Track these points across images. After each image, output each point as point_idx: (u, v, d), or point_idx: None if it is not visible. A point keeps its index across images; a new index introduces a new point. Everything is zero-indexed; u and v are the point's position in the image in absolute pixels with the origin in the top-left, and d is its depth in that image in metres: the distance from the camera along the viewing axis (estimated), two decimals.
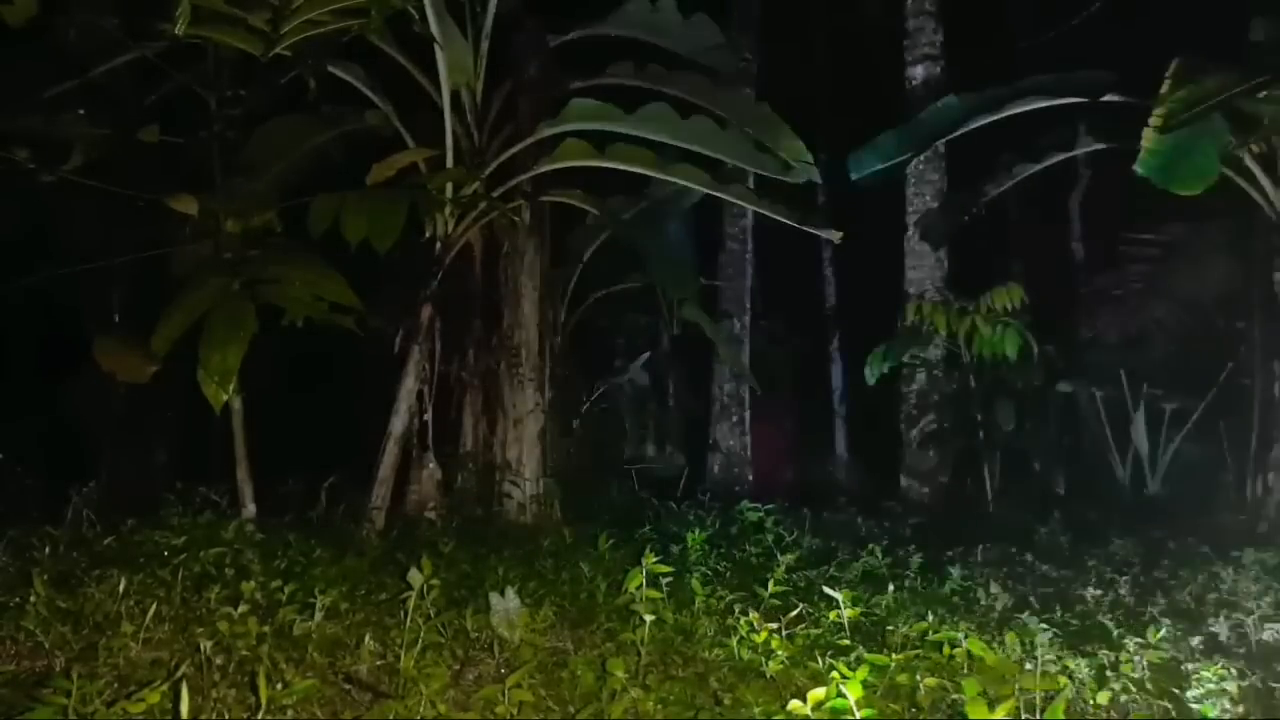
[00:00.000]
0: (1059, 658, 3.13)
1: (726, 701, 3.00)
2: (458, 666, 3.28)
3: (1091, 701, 3.05)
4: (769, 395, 11.07)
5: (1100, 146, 8.25)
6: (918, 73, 9.99)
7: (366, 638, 3.35)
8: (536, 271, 6.97)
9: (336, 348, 6.06)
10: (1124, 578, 5.03)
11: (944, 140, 8.84)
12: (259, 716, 2.65)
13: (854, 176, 8.47)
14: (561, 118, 6.42)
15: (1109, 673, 3.28)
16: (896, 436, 9.76)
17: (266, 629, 3.17)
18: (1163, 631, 3.64)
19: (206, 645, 2.98)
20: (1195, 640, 3.72)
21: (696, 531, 5.18)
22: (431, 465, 6.42)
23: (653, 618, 3.36)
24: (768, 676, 3.20)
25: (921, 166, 9.80)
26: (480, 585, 4.03)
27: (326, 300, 4.84)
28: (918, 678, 2.94)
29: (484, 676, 3.24)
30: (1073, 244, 12.38)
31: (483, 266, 7.02)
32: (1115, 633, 3.70)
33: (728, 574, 4.85)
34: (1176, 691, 3.11)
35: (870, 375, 9.22)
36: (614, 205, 7.80)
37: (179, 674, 2.66)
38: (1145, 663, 3.30)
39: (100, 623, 3.35)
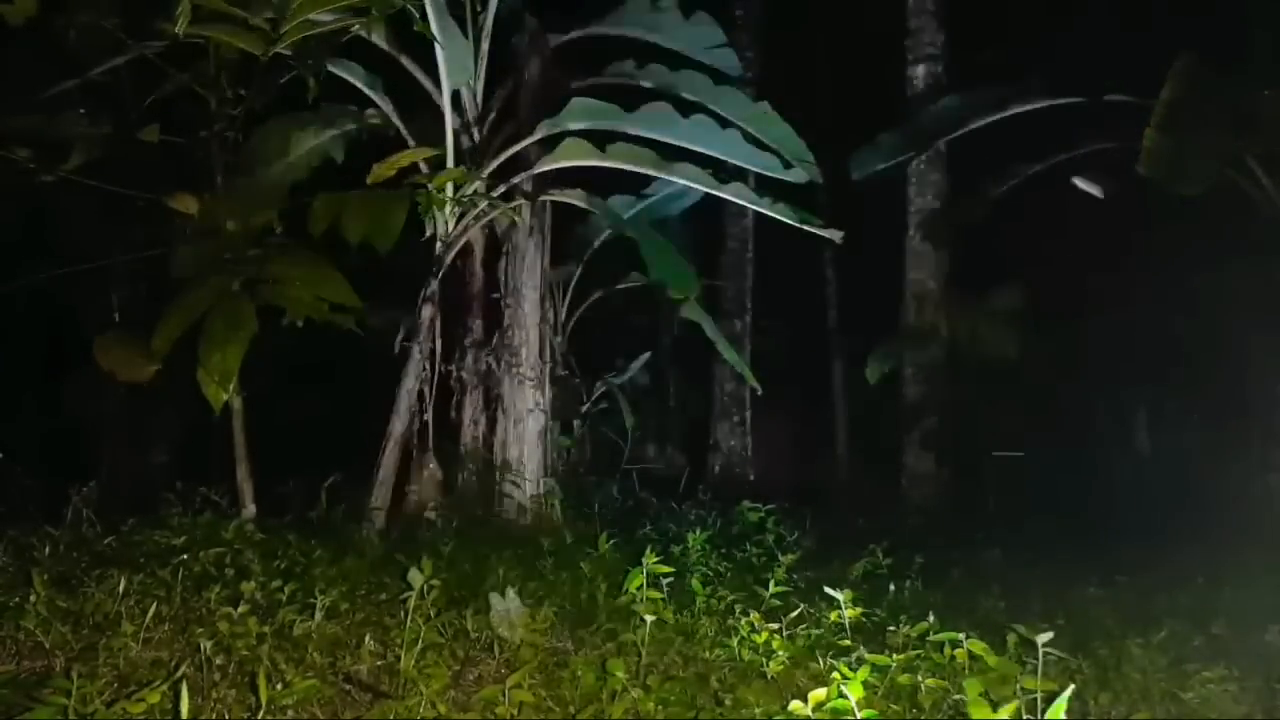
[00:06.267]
0: (1061, 658, 3.12)
1: (727, 702, 2.99)
2: (458, 667, 3.27)
3: (1093, 701, 3.05)
4: (769, 395, 11.06)
5: (1101, 146, 8.25)
6: (919, 73, 9.99)
7: (367, 638, 3.34)
8: (537, 271, 6.97)
9: (337, 348, 6.06)
10: (1126, 578, 5.02)
11: (945, 140, 8.84)
12: (259, 716, 2.65)
13: (855, 176, 8.48)
14: (562, 117, 6.41)
15: (1111, 673, 3.28)
16: (897, 437, 9.76)
17: (266, 629, 3.16)
18: (1164, 632, 3.64)
19: (207, 645, 2.98)
20: (1197, 641, 3.72)
21: (697, 532, 5.17)
22: (432, 465, 6.42)
23: (653, 618, 3.35)
24: (768, 677, 3.20)
25: (922, 166, 9.81)
26: (480, 585, 4.03)
27: (327, 300, 4.83)
28: (919, 678, 2.93)
29: (484, 677, 3.23)
30: (1073, 244, 12.35)
31: (483, 266, 7.02)
32: (1117, 633, 3.69)
33: (728, 574, 4.84)
34: (1178, 692, 3.10)
35: (871, 375, 9.23)
36: (614, 205, 7.80)
37: (179, 674, 2.66)
38: (1147, 663, 3.29)
39: (100, 623, 3.34)
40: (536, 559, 4.90)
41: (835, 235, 6.67)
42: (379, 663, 3.23)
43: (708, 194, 7.03)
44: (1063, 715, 2.37)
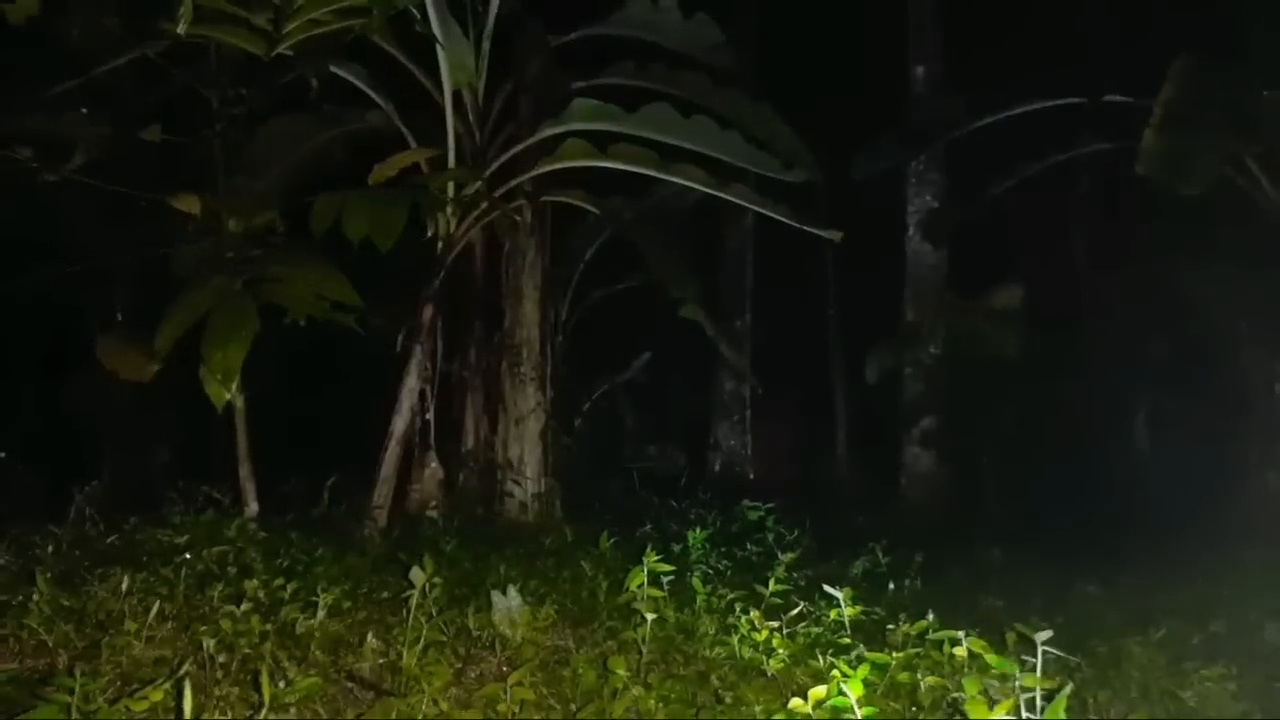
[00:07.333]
0: (1060, 656, 3.13)
1: (728, 700, 3.00)
2: (460, 665, 3.29)
3: (1092, 700, 3.06)
4: (769, 395, 11.07)
5: (1101, 146, 8.26)
6: (919, 73, 10.00)
7: (369, 636, 3.35)
8: (538, 271, 6.98)
9: (339, 347, 6.07)
10: (1126, 577, 5.04)
11: (945, 140, 8.86)
12: (262, 715, 2.66)
13: (855, 176, 8.49)
14: (563, 117, 6.41)
15: (1110, 671, 3.29)
16: (896, 436, 9.77)
17: (269, 627, 3.18)
18: (1164, 631, 3.65)
19: (209, 643, 2.99)
20: (1196, 640, 3.73)
21: (697, 530, 5.19)
22: (433, 464, 6.43)
23: (654, 616, 3.36)
24: (769, 675, 3.21)
25: (922, 166, 9.82)
26: (482, 584, 4.04)
27: (328, 299, 4.84)
28: (918, 676, 2.94)
29: (486, 675, 3.24)
30: (1073, 243, 12.38)
31: (484, 266, 7.03)
32: (1117, 631, 3.70)
33: (729, 573, 4.86)
34: (1177, 690, 3.12)
35: (870, 375, 9.24)
36: (615, 205, 7.81)
37: (182, 672, 2.66)
38: (1146, 661, 3.30)
39: (103, 621, 3.35)
40: (538, 558, 4.91)
41: (834, 235, 6.68)
42: (381, 660, 3.24)
43: (708, 194, 7.04)
44: (1062, 714, 2.38)
